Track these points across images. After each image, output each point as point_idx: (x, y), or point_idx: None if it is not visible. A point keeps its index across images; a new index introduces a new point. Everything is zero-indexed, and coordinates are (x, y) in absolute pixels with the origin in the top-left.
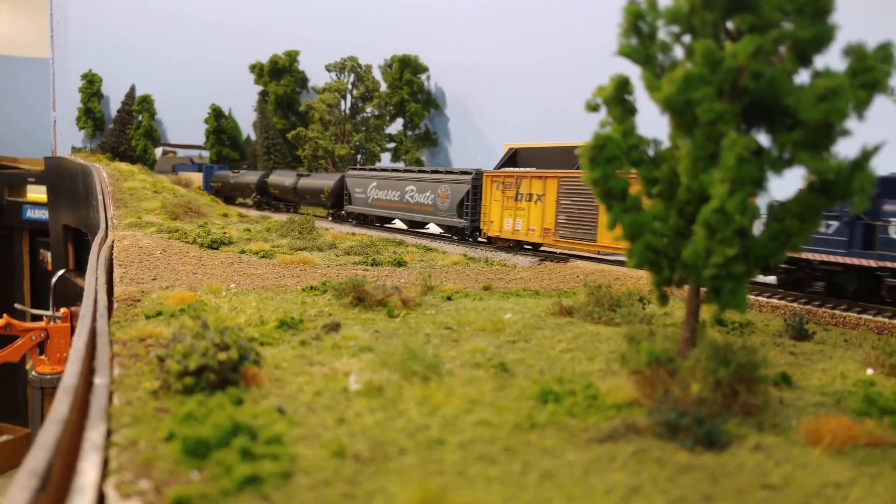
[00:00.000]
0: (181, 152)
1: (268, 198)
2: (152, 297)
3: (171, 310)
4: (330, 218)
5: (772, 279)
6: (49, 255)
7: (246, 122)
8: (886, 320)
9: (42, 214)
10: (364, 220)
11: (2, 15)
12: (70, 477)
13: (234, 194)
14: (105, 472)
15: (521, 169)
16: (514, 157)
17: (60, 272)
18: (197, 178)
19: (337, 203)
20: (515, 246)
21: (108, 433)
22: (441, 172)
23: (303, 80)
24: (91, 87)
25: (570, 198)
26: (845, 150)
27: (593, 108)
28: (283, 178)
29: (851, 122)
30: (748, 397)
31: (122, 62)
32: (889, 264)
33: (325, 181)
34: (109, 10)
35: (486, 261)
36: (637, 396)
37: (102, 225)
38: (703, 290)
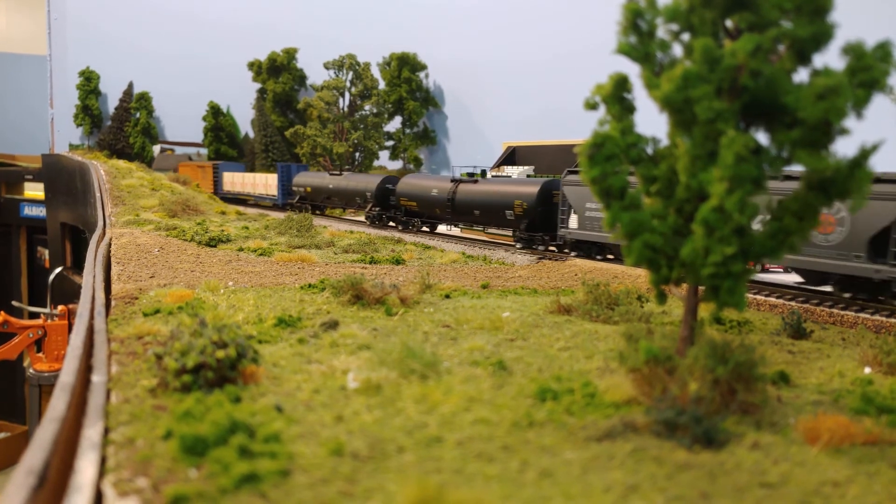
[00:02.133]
0: (179, 150)
1: (394, 212)
2: (150, 294)
3: (168, 307)
4: (519, 245)
5: None
6: (47, 252)
7: (244, 119)
8: (884, 319)
9: (40, 212)
10: (599, 252)
11: None
12: (68, 475)
13: (332, 203)
14: (103, 470)
15: None
16: (512, 156)
17: (58, 269)
18: (255, 181)
19: (538, 223)
20: None
21: (106, 431)
22: None
23: (301, 78)
24: (89, 84)
25: None
26: (844, 148)
27: (592, 106)
28: (425, 183)
29: (850, 121)
30: (746, 395)
31: (119, 59)
32: None
33: (512, 191)
34: (107, 6)
35: (485, 259)
36: (635, 395)
37: (100, 222)
38: (701, 288)
